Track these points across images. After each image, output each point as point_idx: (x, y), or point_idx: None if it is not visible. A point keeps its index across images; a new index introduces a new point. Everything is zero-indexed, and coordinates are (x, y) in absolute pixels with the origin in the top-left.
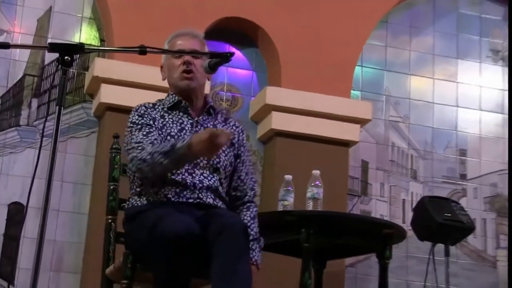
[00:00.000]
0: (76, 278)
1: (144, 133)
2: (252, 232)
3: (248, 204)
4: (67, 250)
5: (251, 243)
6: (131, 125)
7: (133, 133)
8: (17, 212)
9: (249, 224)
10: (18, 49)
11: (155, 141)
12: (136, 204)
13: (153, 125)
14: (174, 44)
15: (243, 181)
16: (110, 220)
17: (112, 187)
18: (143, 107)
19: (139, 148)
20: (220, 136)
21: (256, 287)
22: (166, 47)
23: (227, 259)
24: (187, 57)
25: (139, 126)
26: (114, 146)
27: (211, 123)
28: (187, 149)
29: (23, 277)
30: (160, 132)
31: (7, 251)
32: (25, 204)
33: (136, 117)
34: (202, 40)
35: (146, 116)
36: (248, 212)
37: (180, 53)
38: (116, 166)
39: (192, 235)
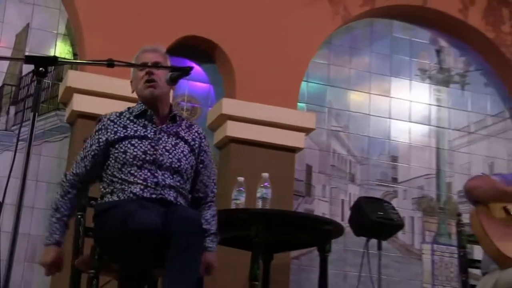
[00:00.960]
0: None
1: (82, 156)
2: (212, 228)
3: (210, 204)
4: (40, 243)
5: (212, 236)
6: (91, 134)
7: (82, 147)
8: None
9: (209, 220)
10: None
11: (81, 171)
12: (106, 201)
13: (97, 148)
14: (140, 59)
15: (205, 184)
16: (79, 216)
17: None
18: (106, 121)
19: (67, 177)
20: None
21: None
22: (133, 62)
23: (182, 247)
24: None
25: (85, 145)
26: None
27: (174, 130)
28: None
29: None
30: (118, 144)
31: None
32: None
33: (96, 129)
34: (164, 54)
35: (101, 131)
36: (209, 211)
37: (144, 66)
38: None
39: (157, 231)
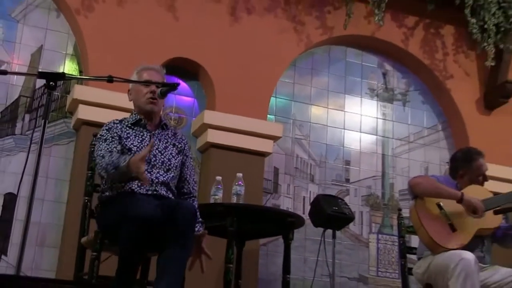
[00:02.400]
0: (56, 251)
1: (107, 142)
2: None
3: (192, 198)
4: (49, 230)
5: (199, 224)
6: (99, 136)
7: (99, 143)
8: (10, 200)
9: None
10: (15, 76)
11: (114, 149)
12: (108, 194)
13: (115, 138)
14: (141, 75)
15: (187, 180)
16: (86, 200)
17: (89, 174)
18: (112, 123)
19: (100, 155)
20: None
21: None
22: (134, 75)
23: (179, 229)
24: (154, 87)
25: (104, 137)
26: (92, 143)
27: (164, 135)
28: (126, 168)
29: (14, 250)
30: (124, 141)
31: (2, 231)
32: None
33: (104, 131)
34: (164, 76)
35: (112, 130)
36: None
37: (139, 82)
38: (93, 159)
39: (152, 218)
